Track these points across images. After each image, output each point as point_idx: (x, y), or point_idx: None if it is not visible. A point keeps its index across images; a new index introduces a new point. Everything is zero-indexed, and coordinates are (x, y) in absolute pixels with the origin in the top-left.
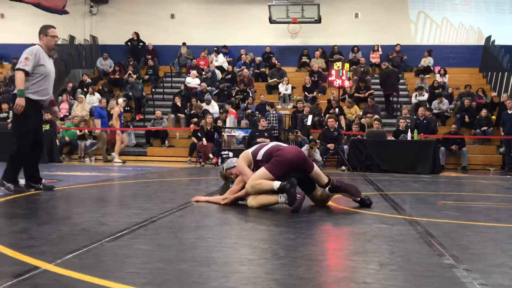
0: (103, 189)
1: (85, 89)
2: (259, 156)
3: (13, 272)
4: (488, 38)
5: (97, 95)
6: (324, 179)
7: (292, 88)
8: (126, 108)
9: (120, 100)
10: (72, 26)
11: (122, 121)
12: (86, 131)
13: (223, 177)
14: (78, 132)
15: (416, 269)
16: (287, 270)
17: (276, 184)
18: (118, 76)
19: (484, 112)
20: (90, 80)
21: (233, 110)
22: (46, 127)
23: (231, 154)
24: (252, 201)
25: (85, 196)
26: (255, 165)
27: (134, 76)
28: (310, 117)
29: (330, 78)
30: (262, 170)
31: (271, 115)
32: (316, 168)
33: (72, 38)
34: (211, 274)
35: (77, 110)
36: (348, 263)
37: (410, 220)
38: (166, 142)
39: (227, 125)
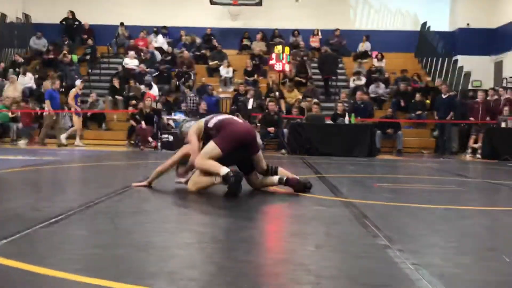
0: (37, 173)
1: (17, 69)
2: (211, 123)
3: None
4: (424, 24)
5: (29, 75)
6: (264, 165)
7: (233, 71)
8: (61, 89)
9: (78, 81)
10: (3, 3)
11: (78, 104)
12: (19, 113)
13: (179, 136)
14: (10, 114)
15: (351, 250)
16: (226, 253)
17: (223, 171)
18: (52, 56)
19: (419, 96)
20: (22, 60)
21: (151, 92)
22: None
23: (171, 137)
24: (191, 186)
25: (17, 180)
26: (205, 131)
27: (69, 56)
28: (251, 100)
29: (270, 62)
30: (211, 145)
31: (189, 98)
32: (259, 152)
33: (3, 16)
34: (149, 259)
35: (8, 91)
36: (286, 245)
37: (347, 202)
38: (104, 125)
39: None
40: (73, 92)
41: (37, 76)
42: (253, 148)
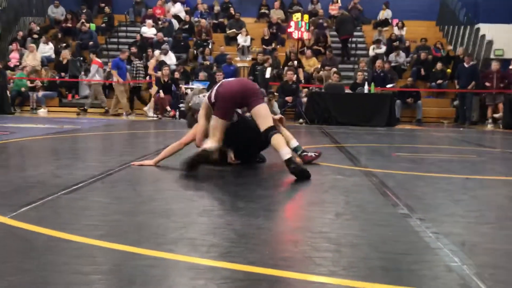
0: (58, 141)
1: (34, 37)
2: (212, 98)
3: None
4: None
5: (50, 44)
6: (268, 122)
7: (251, 39)
8: (80, 58)
9: (157, 52)
10: None
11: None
12: (38, 81)
13: (187, 111)
14: (29, 83)
15: (371, 219)
16: (246, 220)
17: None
18: (70, 25)
19: (439, 65)
20: (38, 29)
21: (98, 60)
22: None
23: None
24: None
25: (39, 148)
26: (212, 107)
27: (87, 25)
28: (269, 69)
29: (289, 30)
30: (216, 120)
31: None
32: (262, 106)
33: None
34: (170, 225)
35: (28, 60)
36: (305, 213)
37: (366, 172)
38: None
39: (90, 75)
40: (152, 63)
41: (57, 45)
42: (251, 101)
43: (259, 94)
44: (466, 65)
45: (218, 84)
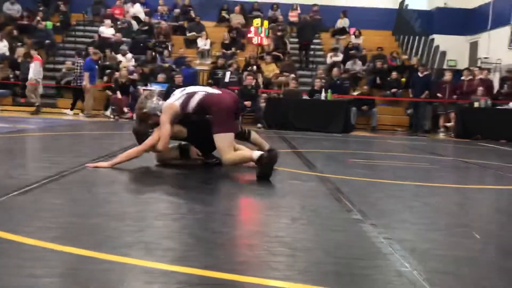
0: (11, 141)
1: None
2: (190, 108)
3: None
4: (402, 1)
5: (4, 41)
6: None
7: (211, 43)
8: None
9: (129, 55)
10: None
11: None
12: None
13: (139, 117)
14: None
15: (326, 224)
16: (203, 224)
17: (256, 154)
18: (26, 22)
19: (394, 74)
20: None
21: (38, 56)
22: None
23: None
24: (229, 162)
25: None
26: (185, 116)
27: (44, 23)
28: (228, 73)
29: (249, 35)
30: (221, 137)
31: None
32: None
33: None
34: (125, 229)
35: None
36: (262, 218)
37: (322, 177)
38: None
39: (30, 74)
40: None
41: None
42: (238, 113)
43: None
44: (420, 74)
45: (200, 95)
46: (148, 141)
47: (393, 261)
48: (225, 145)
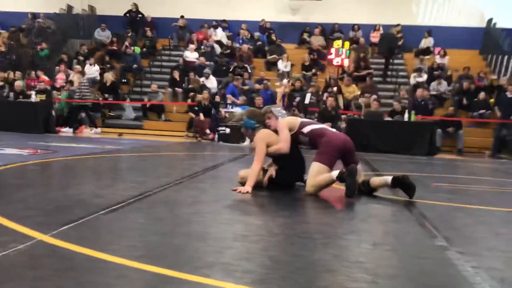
0: (99, 161)
1: (79, 58)
2: (306, 129)
3: (8, 242)
4: (490, 20)
5: (96, 66)
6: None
7: (292, 65)
8: (123, 80)
9: (285, 81)
10: None
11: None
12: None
13: (258, 117)
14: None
15: (410, 250)
16: (282, 247)
17: (335, 173)
18: (115, 48)
19: (482, 95)
20: (86, 51)
21: (45, 77)
22: (42, 97)
23: (227, 130)
24: (310, 188)
25: (80, 167)
26: (296, 134)
27: (132, 48)
28: (308, 95)
29: (329, 57)
30: (319, 166)
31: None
32: (358, 164)
33: (69, 7)
34: (206, 249)
35: (74, 81)
36: (342, 242)
37: (405, 202)
38: (163, 116)
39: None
40: (280, 92)
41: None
42: (352, 159)
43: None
44: (509, 95)
45: (318, 126)
46: (260, 156)
47: None
48: (317, 173)
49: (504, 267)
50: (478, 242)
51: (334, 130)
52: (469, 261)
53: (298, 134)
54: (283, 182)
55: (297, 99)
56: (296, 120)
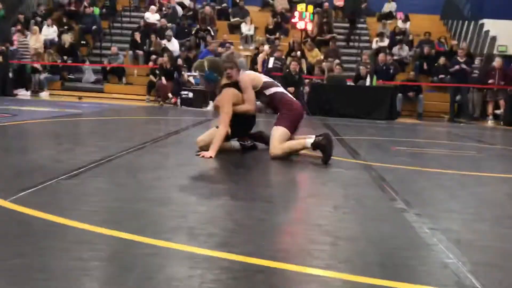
0: (58, 125)
1: (37, 19)
2: (268, 91)
3: None
4: None
5: (54, 27)
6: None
7: (255, 28)
8: (82, 42)
9: (266, 46)
10: None
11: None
12: (39, 64)
13: (219, 69)
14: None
15: (369, 213)
16: (245, 211)
17: (309, 141)
18: (73, 8)
19: (442, 60)
20: (43, 11)
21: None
22: None
23: (191, 94)
24: (277, 151)
25: (40, 132)
26: (259, 92)
27: (91, 8)
28: (272, 59)
29: (293, 20)
30: (283, 131)
31: None
32: None
33: None
34: (169, 214)
35: (30, 42)
36: (304, 206)
37: (365, 165)
38: (124, 79)
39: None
40: (261, 57)
41: (61, 28)
42: (298, 127)
43: None
44: (460, 59)
45: (281, 90)
46: (226, 116)
47: (438, 252)
48: (281, 137)
49: (460, 228)
50: (436, 205)
51: (291, 96)
52: (426, 223)
53: (259, 93)
54: (233, 135)
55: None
56: (260, 78)
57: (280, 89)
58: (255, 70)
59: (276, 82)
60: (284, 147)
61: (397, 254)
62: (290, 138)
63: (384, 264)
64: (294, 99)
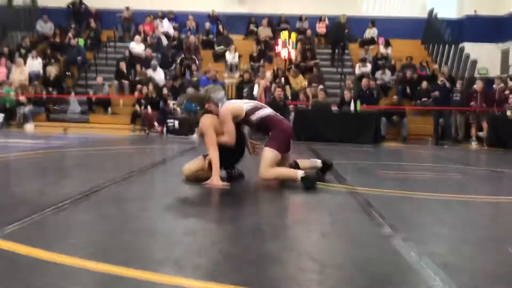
0: (44, 158)
1: (22, 51)
2: (254, 117)
3: None
4: (431, 10)
5: (39, 59)
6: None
7: (239, 56)
8: (67, 73)
9: (268, 74)
10: None
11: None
12: (24, 97)
13: (199, 101)
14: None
15: (356, 239)
16: (232, 240)
17: (300, 173)
18: (58, 40)
19: (424, 84)
20: (29, 44)
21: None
22: None
23: (176, 123)
24: (267, 174)
25: (25, 165)
26: (244, 122)
27: (76, 40)
28: (256, 86)
29: (276, 48)
30: (272, 153)
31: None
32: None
33: None
34: (156, 245)
35: (15, 75)
36: (291, 232)
37: (351, 190)
38: (109, 109)
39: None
40: (262, 84)
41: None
42: (290, 146)
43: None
44: (440, 83)
45: (269, 112)
46: (214, 141)
47: (424, 276)
48: (270, 160)
49: (446, 252)
50: (422, 229)
51: (278, 115)
52: (412, 247)
53: (246, 121)
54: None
55: (245, 90)
56: (241, 106)
57: (267, 110)
58: (242, 97)
59: (260, 104)
60: (274, 173)
61: (384, 280)
62: (283, 158)
63: None
64: (283, 117)
